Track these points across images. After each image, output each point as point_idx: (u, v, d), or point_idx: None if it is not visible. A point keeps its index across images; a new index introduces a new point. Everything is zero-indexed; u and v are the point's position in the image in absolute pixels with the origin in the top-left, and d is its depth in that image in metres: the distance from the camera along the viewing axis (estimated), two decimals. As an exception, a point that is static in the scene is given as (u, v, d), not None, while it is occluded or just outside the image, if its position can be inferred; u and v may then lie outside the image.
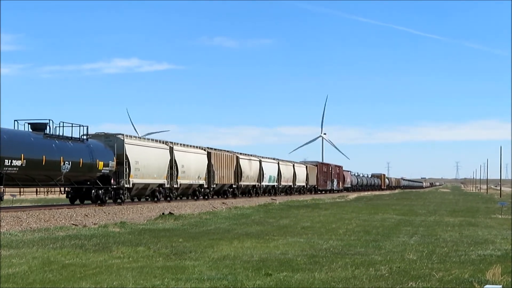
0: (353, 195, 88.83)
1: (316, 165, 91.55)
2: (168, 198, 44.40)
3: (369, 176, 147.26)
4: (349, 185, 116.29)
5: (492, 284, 13.04)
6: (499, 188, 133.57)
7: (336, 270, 14.98)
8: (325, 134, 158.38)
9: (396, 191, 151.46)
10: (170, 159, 43.87)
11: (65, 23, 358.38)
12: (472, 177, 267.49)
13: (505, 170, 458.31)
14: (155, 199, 42.71)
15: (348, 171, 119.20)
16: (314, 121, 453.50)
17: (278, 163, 71.57)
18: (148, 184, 41.25)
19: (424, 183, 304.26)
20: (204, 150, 51.15)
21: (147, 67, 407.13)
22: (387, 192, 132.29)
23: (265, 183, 66.12)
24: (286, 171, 74.87)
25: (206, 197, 50.61)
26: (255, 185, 63.45)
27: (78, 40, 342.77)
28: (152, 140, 44.19)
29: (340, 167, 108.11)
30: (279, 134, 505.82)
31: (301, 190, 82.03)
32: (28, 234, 22.78)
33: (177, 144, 46.45)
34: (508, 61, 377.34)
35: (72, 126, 34.55)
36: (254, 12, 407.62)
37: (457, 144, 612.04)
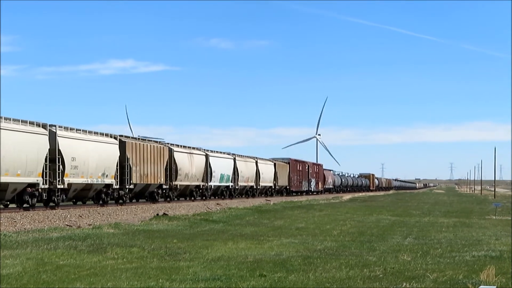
0: (347, 196, 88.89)
1: (288, 163, 78.51)
2: (52, 204, 32.49)
3: (356, 176, 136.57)
4: (331, 186, 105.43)
5: (486, 285, 13.06)
6: (493, 189, 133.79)
7: (330, 271, 14.99)
8: (319, 135, 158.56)
9: (391, 192, 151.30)
10: (51, 149, 31.67)
11: (60, 24, 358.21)
12: (466, 178, 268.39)
13: (499, 171, 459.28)
14: (24, 205, 30.71)
15: (330, 170, 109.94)
16: (310, 122, 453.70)
17: (235, 159, 59.24)
18: (6, 185, 29.06)
19: (417, 184, 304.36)
20: (115, 138, 38.48)
21: (143, 68, 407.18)
22: (381, 193, 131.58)
23: (214, 183, 53.74)
24: (246, 168, 62.09)
25: (120, 201, 39.22)
26: (200, 185, 51.08)
27: (74, 41, 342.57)
28: (15, 120, 29.80)
29: (319, 165, 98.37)
30: (274, 135, 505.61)
31: (267, 192, 70.15)
32: (22, 235, 22.72)
33: (66, 128, 33.72)
34: (503, 63, 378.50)
35: None
36: (250, 14, 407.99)
37: (451, 145, 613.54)
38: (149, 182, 42.09)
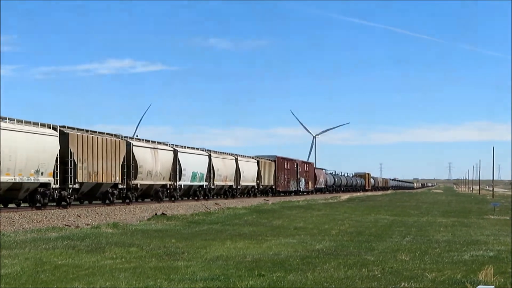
0: (345, 196, 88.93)
1: (274, 160, 71.94)
2: None
3: (351, 175, 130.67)
4: (323, 186, 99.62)
5: (485, 284, 13.07)
6: (491, 188, 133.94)
7: (329, 271, 14.99)
8: (318, 136, 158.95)
9: (389, 192, 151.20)
10: None
11: (58, 24, 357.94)
12: (464, 178, 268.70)
13: (497, 171, 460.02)
14: None
15: (322, 169, 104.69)
16: (310, 122, 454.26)
17: (210, 156, 52.84)
18: None
19: (415, 184, 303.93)
20: (54, 129, 32.22)
21: (141, 68, 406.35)
22: (379, 193, 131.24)
23: (185, 182, 47.65)
24: (223, 166, 55.97)
25: (63, 202, 33.12)
26: (166, 184, 45.01)
27: (72, 41, 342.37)
28: None
29: (310, 163, 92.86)
30: (274, 135, 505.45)
31: (250, 192, 64.39)
32: (20, 234, 22.72)
33: None
34: (501, 63, 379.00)
35: None
36: (249, 13, 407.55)
37: (450, 145, 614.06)
38: (100, 181, 35.85)
